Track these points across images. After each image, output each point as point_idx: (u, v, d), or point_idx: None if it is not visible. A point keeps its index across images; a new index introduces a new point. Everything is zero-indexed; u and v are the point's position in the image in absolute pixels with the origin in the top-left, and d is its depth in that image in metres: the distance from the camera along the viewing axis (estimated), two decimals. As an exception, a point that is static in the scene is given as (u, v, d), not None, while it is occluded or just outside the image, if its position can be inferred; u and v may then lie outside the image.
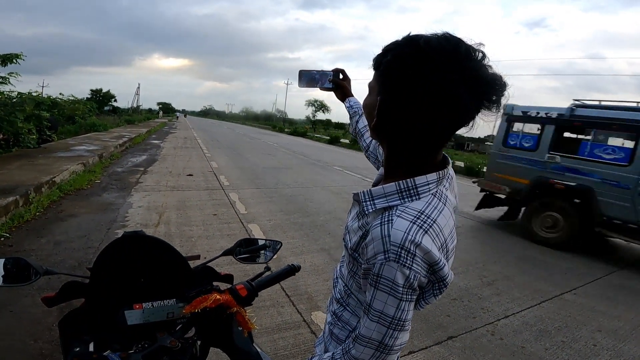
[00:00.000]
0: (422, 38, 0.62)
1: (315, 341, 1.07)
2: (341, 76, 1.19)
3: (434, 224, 0.64)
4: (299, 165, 11.30)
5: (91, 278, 0.89)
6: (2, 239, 3.46)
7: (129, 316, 0.87)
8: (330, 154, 16.71)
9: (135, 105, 51.91)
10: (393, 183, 0.68)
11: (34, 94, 8.50)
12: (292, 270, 1.02)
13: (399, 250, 0.61)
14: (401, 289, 0.63)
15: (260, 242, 1.21)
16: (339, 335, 0.85)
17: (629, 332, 2.66)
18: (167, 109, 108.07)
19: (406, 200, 0.66)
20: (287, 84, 78.80)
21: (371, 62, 0.69)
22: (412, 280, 0.62)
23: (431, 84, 0.60)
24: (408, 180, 0.67)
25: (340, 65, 1.13)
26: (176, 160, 9.91)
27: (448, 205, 0.69)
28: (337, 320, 0.86)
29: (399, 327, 0.66)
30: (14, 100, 7.35)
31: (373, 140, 1.10)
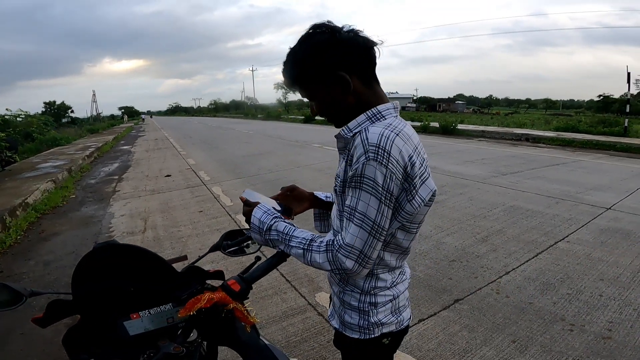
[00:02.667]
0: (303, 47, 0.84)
1: (327, 315, 1.09)
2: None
3: (402, 131, 0.79)
4: (277, 149, 11.16)
5: (73, 296, 0.86)
6: (-13, 268, 3.28)
7: (129, 327, 0.84)
8: (307, 132, 16.55)
9: (95, 114, 49.58)
10: (362, 114, 0.83)
11: None
12: (282, 256, 0.96)
13: (376, 149, 0.73)
14: (381, 188, 0.74)
15: (247, 232, 1.16)
16: (350, 302, 0.93)
17: (630, 279, 2.68)
18: (131, 112, 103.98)
19: (374, 123, 0.82)
20: (253, 71, 77.62)
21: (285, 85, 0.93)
22: (388, 180, 0.74)
23: (334, 59, 0.81)
24: (373, 109, 0.83)
25: None
26: (151, 163, 9.58)
27: (409, 126, 0.85)
28: (345, 284, 0.93)
29: (378, 235, 0.77)
30: None
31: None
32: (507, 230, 3.69)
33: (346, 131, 0.84)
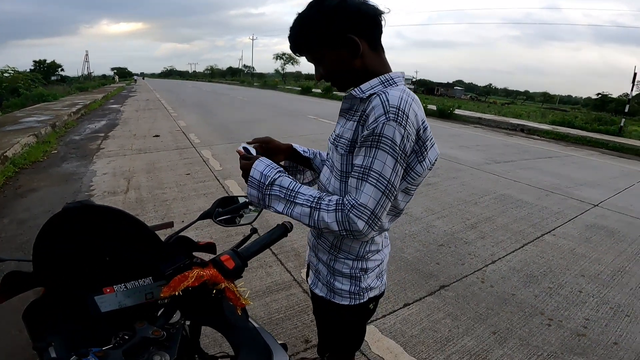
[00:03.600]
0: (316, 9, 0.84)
1: (310, 286, 1.08)
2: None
3: (415, 98, 0.83)
4: (272, 117, 10.93)
5: (34, 265, 0.72)
6: (-44, 222, 3.12)
7: (101, 302, 0.73)
8: (303, 104, 16.23)
9: (86, 73, 47.77)
10: (375, 78, 0.85)
11: None
12: (284, 231, 0.87)
13: (397, 110, 0.77)
14: (398, 148, 0.77)
15: (241, 200, 1.06)
16: (342, 270, 0.96)
17: (610, 277, 2.70)
18: (123, 73, 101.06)
19: (387, 87, 0.84)
20: (253, 39, 75.77)
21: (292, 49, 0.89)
22: (405, 141, 0.78)
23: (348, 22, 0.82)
24: (386, 74, 0.86)
25: None
26: (140, 123, 9.27)
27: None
28: (337, 252, 0.95)
29: (390, 195, 0.79)
30: None
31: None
32: (497, 219, 3.67)
33: (358, 92, 0.85)
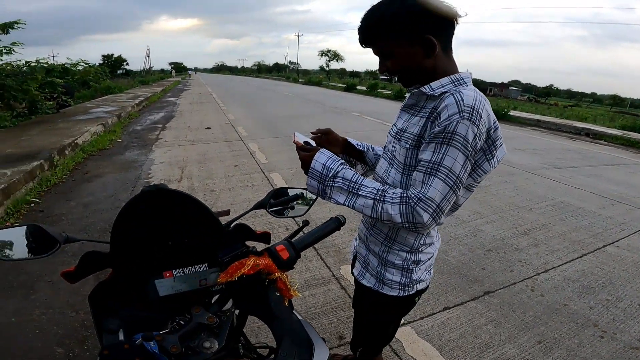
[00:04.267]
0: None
1: (356, 275, 1.10)
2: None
3: (487, 101, 0.85)
4: (316, 113, 11.02)
5: (112, 246, 0.78)
6: (33, 204, 3.51)
7: (160, 286, 0.78)
8: (347, 101, 16.14)
9: (147, 67, 51.50)
10: (446, 77, 0.87)
11: (43, 63, 8.39)
12: (337, 225, 0.88)
13: (472, 110, 0.79)
14: (470, 146, 0.80)
15: (292, 192, 1.08)
16: (394, 261, 0.98)
17: None
18: (179, 68, 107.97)
19: (458, 87, 0.85)
20: (299, 36, 76.60)
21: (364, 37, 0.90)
22: (477, 139, 0.80)
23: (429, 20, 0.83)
24: (457, 74, 0.87)
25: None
26: (193, 115, 9.82)
27: None
28: (392, 243, 0.97)
29: (457, 190, 0.82)
30: (24, 69, 7.33)
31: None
32: (553, 227, 3.41)
33: (429, 89, 0.87)
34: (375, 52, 0.91)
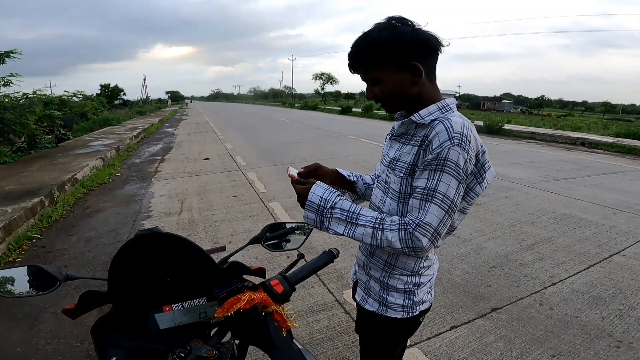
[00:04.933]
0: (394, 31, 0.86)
1: (358, 300, 1.10)
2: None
3: (473, 126, 0.88)
4: (313, 138, 11.14)
5: (109, 285, 0.81)
6: (34, 240, 3.51)
7: (160, 319, 0.79)
8: (344, 124, 16.40)
9: (144, 97, 52.63)
10: (433, 105, 0.91)
11: (40, 94, 8.51)
12: (331, 257, 0.89)
13: (461, 136, 0.82)
14: (461, 171, 0.83)
15: (288, 226, 1.10)
16: (396, 285, 0.99)
17: None
18: (175, 97, 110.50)
19: (445, 113, 0.89)
20: (292, 60, 78.75)
21: (353, 62, 0.92)
22: (467, 164, 0.84)
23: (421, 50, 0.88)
24: (442, 101, 0.91)
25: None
26: (191, 146, 9.93)
27: None
28: (392, 269, 0.99)
29: (452, 213, 0.84)
30: (21, 101, 7.40)
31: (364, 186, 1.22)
32: (557, 239, 3.39)
33: (418, 117, 0.90)
34: (364, 79, 0.94)
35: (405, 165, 0.91)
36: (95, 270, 2.90)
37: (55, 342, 2.05)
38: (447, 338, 2.03)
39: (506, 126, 13.30)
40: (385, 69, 0.88)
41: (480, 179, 0.92)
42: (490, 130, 12.96)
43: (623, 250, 3.17)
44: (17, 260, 3.10)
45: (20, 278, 0.81)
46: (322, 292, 2.52)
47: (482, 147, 0.90)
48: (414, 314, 1.01)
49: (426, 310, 1.05)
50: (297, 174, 1.06)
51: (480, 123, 13.77)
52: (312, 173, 1.08)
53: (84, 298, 0.81)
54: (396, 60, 0.86)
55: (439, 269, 2.74)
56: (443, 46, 0.90)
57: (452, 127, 0.83)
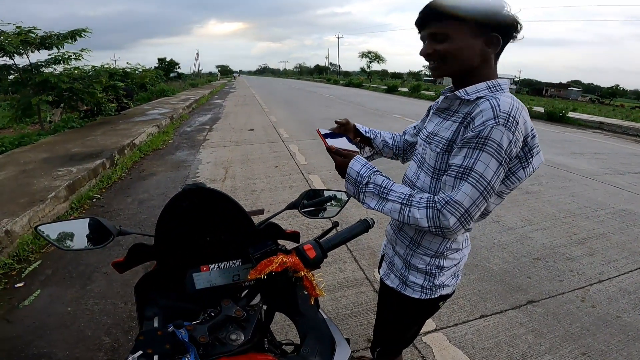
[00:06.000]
0: None
1: (381, 275, 1.11)
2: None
3: (525, 108, 0.83)
4: (356, 115, 10.96)
5: (156, 238, 0.86)
6: (94, 200, 3.87)
7: (197, 279, 0.84)
8: (388, 102, 15.90)
9: (197, 70, 54.51)
10: (482, 82, 0.86)
11: (106, 67, 9.12)
12: (365, 227, 0.89)
13: (508, 116, 0.78)
14: (504, 152, 0.78)
15: (326, 194, 1.11)
16: (418, 265, 0.98)
17: None
18: (225, 70, 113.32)
19: (494, 92, 0.85)
20: (339, 38, 76.71)
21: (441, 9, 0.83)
22: (512, 146, 0.79)
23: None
24: (494, 80, 0.87)
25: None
26: (238, 117, 10.23)
27: None
28: (416, 247, 0.97)
29: (487, 196, 0.80)
30: (90, 73, 7.96)
31: (404, 139, 1.24)
32: (612, 236, 3.13)
33: (463, 93, 0.87)
34: (429, 34, 0.87)
35: (443, 140, 0.89)
36: (145, 230, 3.11)
37: (103, 302, 2.17)
38: (474, 326, 2.00)
39: (570, 114, 12.12)
40: (461, 28, 0.82)
41: (526, 163, 0.86)
42: (552, 117, 11.88)
43: (687, 254, 2.85)
44: (76, 218, 3.44)
45: (78, 231, 0.87)
46: (354, 268, 2.55)
47: (532, 130, 0.84)
48: (433, 296, 1.00)
49: (448, 296, 1.04)
50: (330, 131, 1.09)
51: (541, 109, 12.67)
52: (341, 128, 1.12)
53: (133, 251, 0.87)
54: (480, 25, 0.82)
55: (476, 255, 2.70)
56: (518, 36, 0.87)
57: (498, 105, 0.79)
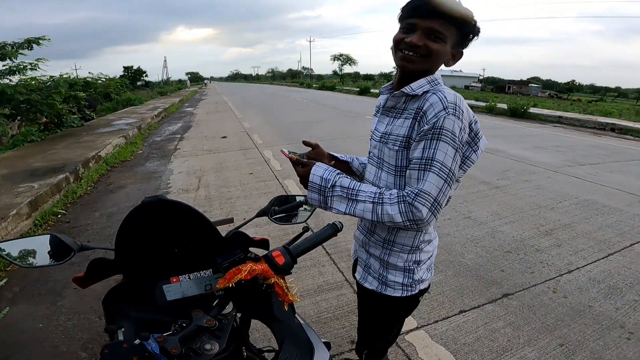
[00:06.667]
0: None
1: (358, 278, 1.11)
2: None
3: (462, 97, 0.89)
4: (330, 118, 11.04)
5: (116, 253, 0.83)
6: (59, 215, 3.67)
7: (168, 291, 0.82)
8: (361, 104, 16.11)
9: (165, 78, 53.25)
10: (423, 79, 0.91)
11: (65, 76, 8.73)
12: (334, 231, 0.89)
13: (455, 106, 0.84)
14: (457, 139, 0.84)
15: (297, 199, 1.10)
16: (396, 263, 0.99)
17: None
18: (195, 77, 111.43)
19: (435, 86, 0.90)
20: (310, 41, 77.64)
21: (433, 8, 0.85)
22: (462, 132, 0.85)
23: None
24: (433, 76, 0.92)
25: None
26: (210, 125, 10.05)
27: None
28: (392, 246, 0.99)
29: (451, 182, 0.84)
30: (48, 84, 7.59)
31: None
32: (577, 226, 3.29)
33: (409, 90, 0.91)
34: (426, 27, 0.85)
35: (400, 138, 0.91)
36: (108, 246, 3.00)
37: (76, 318, 2.12)
38: (454, 322, 2.04)
39: (532, 110, 12.72)
40: (454, 36, 0.88)
41: (475, 147, 0.93)
42: (515, 113, 12.44)
43: (647, 239, 3.04)
44: (36, 234, 3.26)
45: (39, 249, 0.84)
46: (333, 270, 2.55)
47: (473, 116, 0.92)
48: (413, 292, 1.02)
49: (425, 290, 1.06)
50: (300, 154, 1.05)
51: (504, 106, 13.22)
52: (312, 151, 1.09)
53: (93, 266, 0.83)
54: (462, 40, 0.90)
55: (451, 251, 2.75)
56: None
57: (445, 97, 0.84)
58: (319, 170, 0.92)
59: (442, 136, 0.82)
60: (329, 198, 0.90)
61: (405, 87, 0.91)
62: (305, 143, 1.11)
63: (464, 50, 0.94)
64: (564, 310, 2.15)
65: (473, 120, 0.91)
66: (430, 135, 0.83)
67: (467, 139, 0.90)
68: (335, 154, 1.16)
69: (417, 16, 0.86)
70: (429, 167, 0.83)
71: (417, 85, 0.90)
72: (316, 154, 1.09)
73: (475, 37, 0.92)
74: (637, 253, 2.82)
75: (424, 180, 0.83)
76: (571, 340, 1.91)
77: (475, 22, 0.89)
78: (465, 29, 0.89)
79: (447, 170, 0.83)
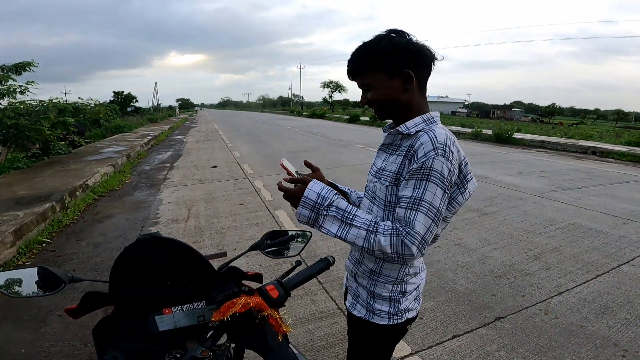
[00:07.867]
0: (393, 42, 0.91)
1: (347, 306, 1.11)
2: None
3: (455, 138, 0.91)
4: (320, 147, 11.18)
5: (110, 287, 0.84)
6: (44, 244, 3.59)
7: (160, 321, 0.81)
8: (351, 132, 16.43)
9: (155, 104, 53.38)
10: (418, 117, 0.94)
11: (55, 101, 8.63)
12: (326, 265, 0.92)
13: (444, 147, 0.86)
14: (446, 180, 0.86)
15: (290, 233, 1.13)
16: (382, 293, 1.01)
17: None
18: (186, 104, 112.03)
19: (429, 125, 0.93)
20: (301, 68, 79.72)
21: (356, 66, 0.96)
22: (451, 174, 0.87)
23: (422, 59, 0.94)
24: (428, 114, 0.95)
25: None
26: (200, 154, 10.05)
27: None
28: (377, 277, 1.01)
29: (438, 221, 0.86)
30: (37, 108, 7.45)
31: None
32: (565, 249, 3.35)
33: (404, 128, 0.94)
34: (360, 85, 0.98)
35: (391, 174, 0.94)
36: (102, 274, 2.94)
37: (60, 344, 2.09)
38: (448, 347, 2.02)
39: (516, 135, 13.20)
40: (378, 76, 0.92)
41: (463, 189, 0.95)
42: (500, 139, 12.85)
43: (632, 260, 3.11)
44: (26, 263, 3.17)
45: (27, 279, 0.83)
46: (325, 299, 2.52)
47: (464, 158, 0.93)
48: (400, 321, 1.02)
49: (413, 319, 1.07)
50: (298, 174, 1.05)
51: (490, 132, 13.64)
52: (312, 174, 1.12)
53: (86, 299, 0.84)
54: (389, 67, 0.91)
55: (442, 278, 2.76)
56: (437, 59, 0.95)
57: (435, 138, 0.86)
58: (317, 187, 0.92)
59: (431, 177, 0.85)
60: (322, 217, 0.89)
61: (401, 126, 0.94)
62: (307, 164, 1.13)
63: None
64: (557, 331, 2.16)
65: (463, 162, 0.93)
66: (419, 175, 0.86)
67: (456, 180, 0.92)
68: (335, 183, 1.18)
69: (352, 80, 0.99)
70: (417, 206, 0.85)
71: (412, 124, 0.93)
72: (315, 177, 1.10)
73: (409, 52, 0.90)
74: (625, 273, 2.87)
75: (414, 219, 0.85)
76: (565, 360, 1.90)
77: (391, 48, 0.89)
78: (387, 64, 0.90)
79: (435, 210, 0.85)
